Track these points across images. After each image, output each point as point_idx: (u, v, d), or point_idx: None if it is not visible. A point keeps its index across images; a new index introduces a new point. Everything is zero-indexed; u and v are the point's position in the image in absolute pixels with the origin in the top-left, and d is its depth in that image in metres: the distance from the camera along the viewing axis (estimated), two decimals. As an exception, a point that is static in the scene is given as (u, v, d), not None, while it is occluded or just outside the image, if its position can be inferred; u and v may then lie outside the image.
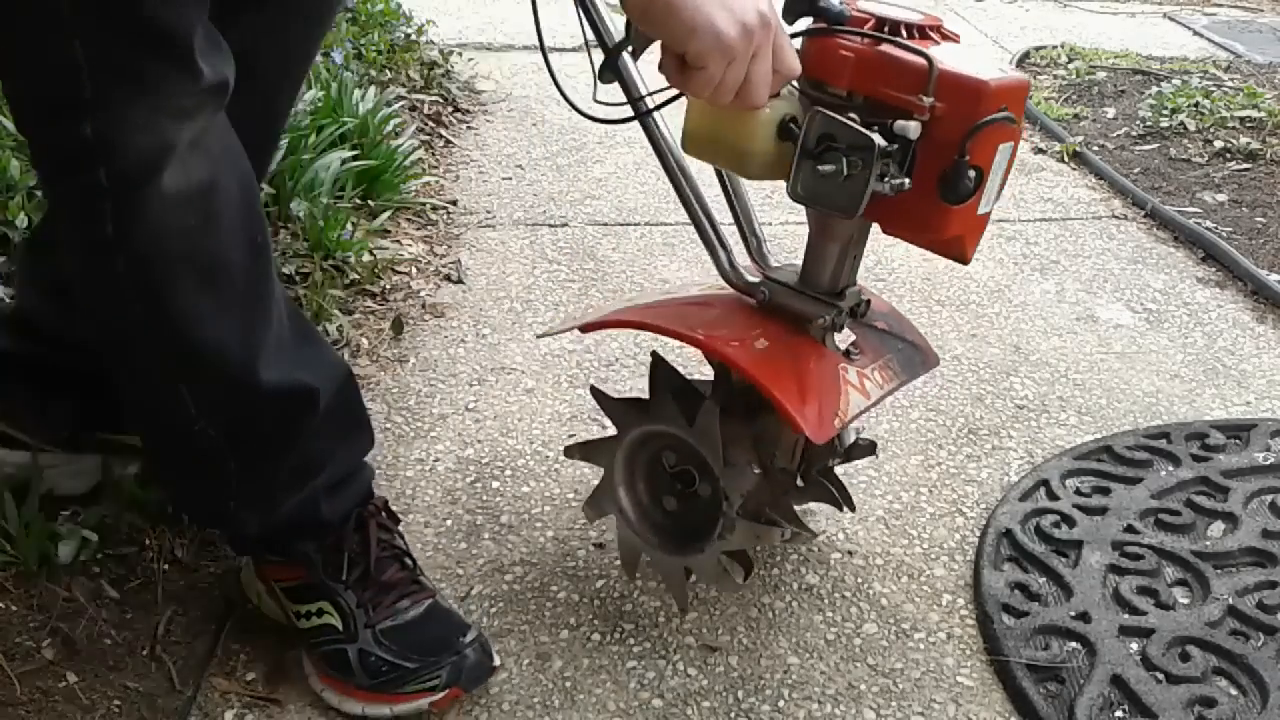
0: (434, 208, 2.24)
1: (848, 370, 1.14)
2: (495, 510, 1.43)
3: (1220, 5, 4.59)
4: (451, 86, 2.86)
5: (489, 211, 2.28)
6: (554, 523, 1.41)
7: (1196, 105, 3.01)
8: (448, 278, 2.00)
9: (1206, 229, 2.37)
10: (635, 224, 2.26)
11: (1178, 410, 1.76)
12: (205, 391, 1.03)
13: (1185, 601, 1.34)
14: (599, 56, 1.05)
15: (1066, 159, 2.79)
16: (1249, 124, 2.96)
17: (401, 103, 2.54)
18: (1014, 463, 1.60)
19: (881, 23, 1.02)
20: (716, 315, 1.16)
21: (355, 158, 2.11)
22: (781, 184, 1.06)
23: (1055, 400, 1.76)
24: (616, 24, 1.06)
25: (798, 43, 1.02)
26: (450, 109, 2.78)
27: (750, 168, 1.05)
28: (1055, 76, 3.42)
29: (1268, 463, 1.59)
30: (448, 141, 2.62)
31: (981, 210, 1.05)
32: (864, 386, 1.14)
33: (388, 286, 1.93)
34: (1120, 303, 2.10)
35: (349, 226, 1.93)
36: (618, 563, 1.33)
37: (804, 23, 1.05)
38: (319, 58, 2.37)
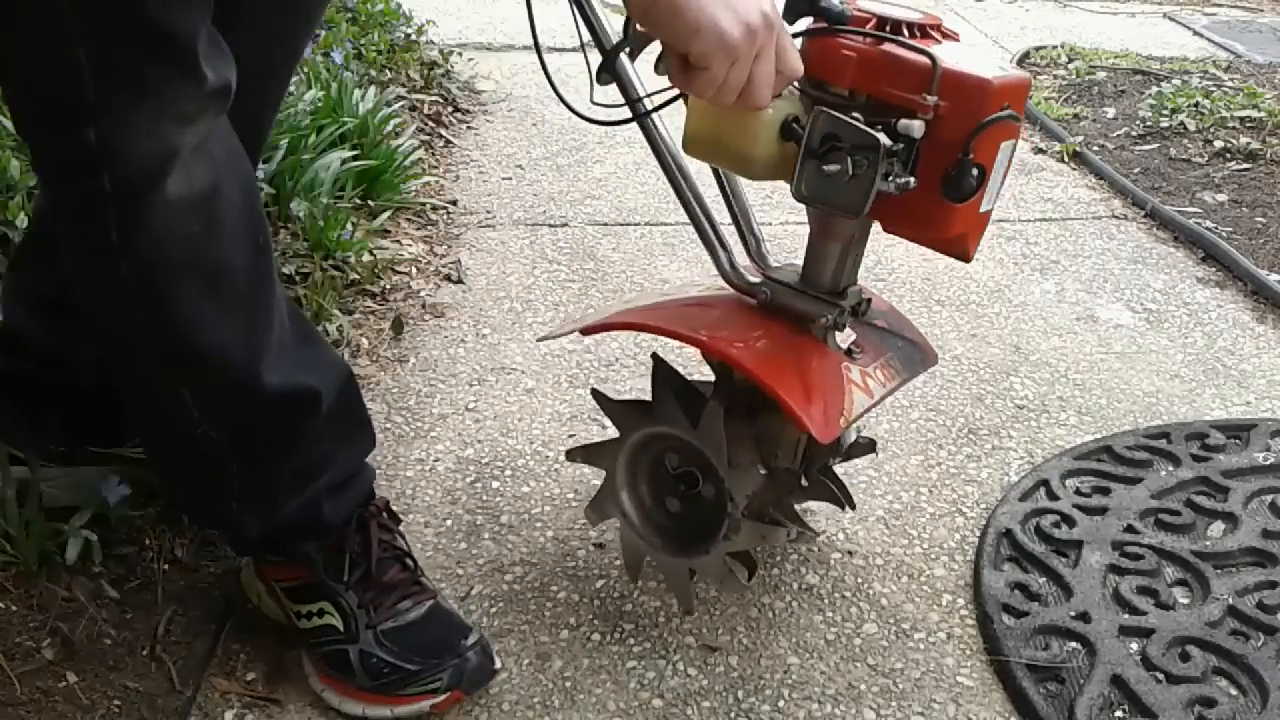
0: (434, 208, 2.24)
1: (851, 369, 1.14)
2: (495, 510, 1.43)
3: (1220, 5, 4.60)
4: (451, 86, 2.86)
5: (489, 211, 2.28)
6: (554, 523, 1.41)
7: (1196, 105, 3.01)
8: (448, 278, 2.00)
9: (1206, 229, 2.37)
10: (635, 224, 2.26)
11: (1178, 410, 1.76)
12: (208, 396, 1.02)
13: (1185, 601, 1.34)
14: (596, 57, 1.05)
15: (1066, 159, 2.80)
16: (1249, 124, 2.96)
17: (401, 103, 2.54)
18: (1014, 463, 1.60)
19: (883, 22, 1.02)
20: (718, 316, 1.16)
21: (355, 158, 2.11)
22: (781, 184, 1.06)
23: (1055, 400, 1.76)
24: (613, 24, 1.06)
25: (798, 42, 1.02)
26: (450, 109, 2.78)
27: (753, 169, 1.05)
28: (1055, 76, 3.42)
29: (1268, 463, 1.59)
30: (448, 141, 2.62)
31: (984, 208, 1.05)
32: (867, 385, 1.14)
33: (388, 286, 1.93)
34: (1120, 303, 2.10)
35: (349, 226, 1.93)
36: (618, 563, 1.33)
37: (804, 23, 1.05)
38: (319, 58, 2.37)
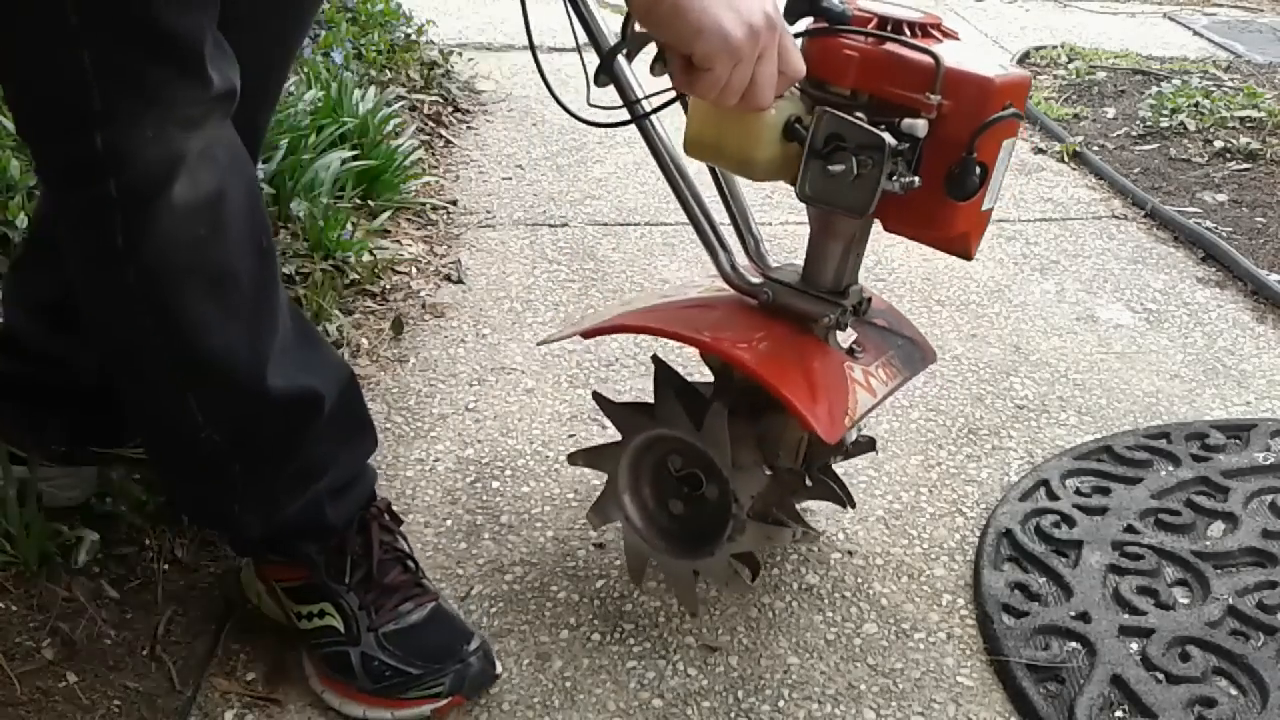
0: (434, 208, 2.24)
1: (853, 368, 1.14)
2: (495, 510, 1.43)
3: (1220, 5, 4.60)
4: (451, 86, 2.86)
5: (489, 211, 2.28)
6: (554, 523, 1.41)
7: (1196, 105, 3.01)
8: (448, 278, 2.00)
9: (1206, 229, 2.37)
10: (635, 224, 2.26)
11: (1178, 410, 1.76)
12: (213, 399, 1.02)
13: (1185, 601, 1.34)
14: (594, 58, 1.04)
15: (1066, 159, 2.80)
16: (1249, 124, 2.96)
17: (401, 103, 2.54)
18: (1014, 463, 1.60)
19: (885, 21, 1.02)
20: (720, 317, 1.16)
21: (355, 158, 2.10)
22: (780, 184, 1.06)
23: (1055, 400, 1.76)
24: (610, 25, 1.06)
25: (799, 43, 1.02)
26: (450, 109, 2.78)
27: (755, 170, 1.05)
28: (1055, 76, 3.42)
29: (1268, 463, 1.59)
30: (448, 141, 2.62)
31: (985, 206, 1.05)
32: (869, 384, 1.14)
33: (388, 286, 1.93)
34: (1120, 303, 2.10)
35: (349, 226, 1.93)
36: (618, 563, 1.33)
37: (805, 23, 1.05)
38: (319, 58, 2.37)
